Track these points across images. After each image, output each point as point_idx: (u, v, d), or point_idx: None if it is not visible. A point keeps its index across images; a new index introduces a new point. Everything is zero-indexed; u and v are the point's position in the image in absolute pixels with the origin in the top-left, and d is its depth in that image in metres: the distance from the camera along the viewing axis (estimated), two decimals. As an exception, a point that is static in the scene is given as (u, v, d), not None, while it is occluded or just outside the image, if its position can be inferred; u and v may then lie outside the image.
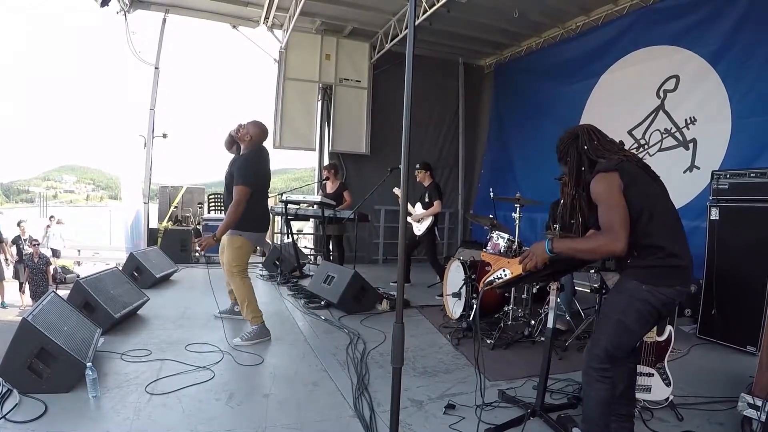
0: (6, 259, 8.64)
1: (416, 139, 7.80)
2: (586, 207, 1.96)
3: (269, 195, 4.28)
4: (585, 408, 1.94)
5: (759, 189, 3.41)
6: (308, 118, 7.30)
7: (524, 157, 7.33)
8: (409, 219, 5.37)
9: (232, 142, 3.55)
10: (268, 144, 3.61)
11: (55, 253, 10.77)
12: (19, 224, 9.54)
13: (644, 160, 1.97)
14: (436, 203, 5.21)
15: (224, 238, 3.40)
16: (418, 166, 5.37)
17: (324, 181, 6.24)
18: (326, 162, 7.64)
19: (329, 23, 7.05)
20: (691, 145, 4.81)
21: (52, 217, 11.65)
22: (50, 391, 2.31)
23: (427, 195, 5.31)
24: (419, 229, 5.32)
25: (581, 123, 6.82)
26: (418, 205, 5.39)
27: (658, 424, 2.29)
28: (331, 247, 6.12)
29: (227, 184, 3.42)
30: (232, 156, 3.56)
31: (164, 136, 6.70)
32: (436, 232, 5.47)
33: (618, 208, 1.76)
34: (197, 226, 7.75)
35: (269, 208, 3.83)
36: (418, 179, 5.40)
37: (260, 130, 3.44)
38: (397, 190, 5.44)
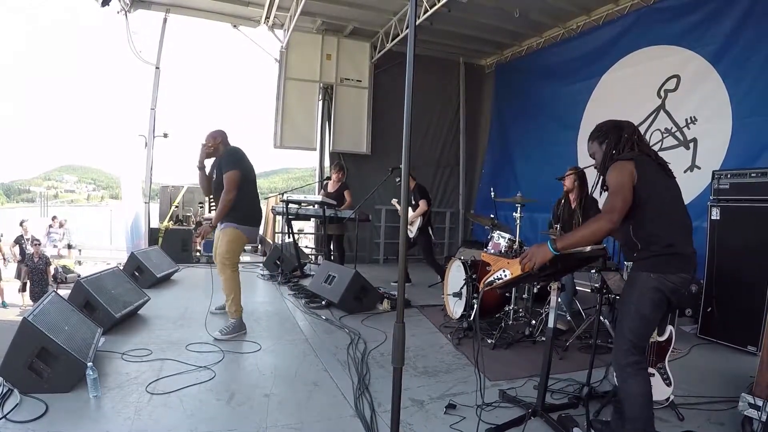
0: (3, 258, 8.64)
1: (417, 139, 7.80)
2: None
3: (267, 196, 4.38)
4: (625, 407, 1.92)
5: (760, 189, 3.40)
6: (309, 117, 7.30)
7: (525, 156, 7.33)
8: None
9: (206, 156, 3.62)
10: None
11: (72, 246, 10.92)
12: (21, 224, 9.55)
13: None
14: (422, 203, 5.34)
15: (218, 231, 3.58)
16: (398, 179, 5.34)
17: (326, 181, 6.23)
18: (327, 162, 7.66)
19: (330, 23, 7.05)
20: (691, 145, 4.81)
21: (54, 217, 11.66)
22: (51, 391, 2.31)
23: (411, 198, 5.40)
24: (411, 231, 5.42)
25: (585, 121, 6.85)
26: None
27: (659, 424, 2.28)
28: (332, 246, 6.12)
29: (216, 187, 3.57)
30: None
31: (165, 135, 6.71)
32: (431, 232, 5.55)
33: (622, 193, 1.86)
34: (202, 219, 7.74)
35: (261, 205, 3.96)
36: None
37: (224, 132, 3.63)
38: (395, 202, 5.52)
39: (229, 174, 3.40)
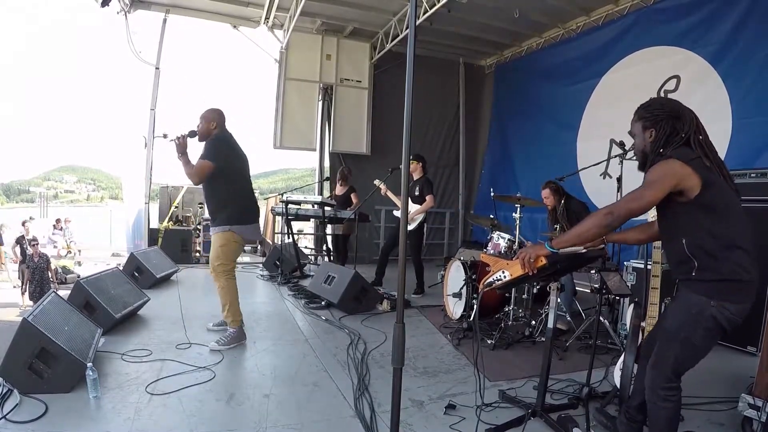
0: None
1: (417, 139, 7.80)
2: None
3: (267, 196, 4.21)
4: (651, 424, 1.85)
5: (759, 189, 3.40)
6: (309, 118, 7.31)
7: (525, 157, 7.34)
8: (397, 213, 5.30)
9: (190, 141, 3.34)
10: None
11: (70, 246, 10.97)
12: (23, 224, 9.53)
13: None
14: (429, 198, 4.88)
15: (212, 236, 3.31)
16: (410, 157, 5.20)
17: (326, 181, 6.21)
18: (327, 162, 7.66)
19: (330, 23, 7.05)
20: (691, 146, 4.80)
21: (58, 219, 11.68)
22: (51, 392, 2.31)
23: (417, 189, 4.97)
24: (409, 225, 5.03)
25: (584, 121, 6.79)
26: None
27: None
28: (337, 246, 6.10)
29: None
30: None
31: (164, 136, 6.68)
32: (425, 231, 5.24)
33: (659, 187, 1.67)
34: (198, 227, 7.73)
35: (256, 200, 3.56)
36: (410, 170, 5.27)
37: (219, 113, 3.31)
38: (378, 182, 5.19)
39: (200, 162, 3.12)
